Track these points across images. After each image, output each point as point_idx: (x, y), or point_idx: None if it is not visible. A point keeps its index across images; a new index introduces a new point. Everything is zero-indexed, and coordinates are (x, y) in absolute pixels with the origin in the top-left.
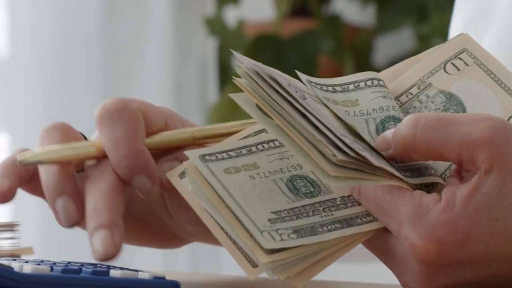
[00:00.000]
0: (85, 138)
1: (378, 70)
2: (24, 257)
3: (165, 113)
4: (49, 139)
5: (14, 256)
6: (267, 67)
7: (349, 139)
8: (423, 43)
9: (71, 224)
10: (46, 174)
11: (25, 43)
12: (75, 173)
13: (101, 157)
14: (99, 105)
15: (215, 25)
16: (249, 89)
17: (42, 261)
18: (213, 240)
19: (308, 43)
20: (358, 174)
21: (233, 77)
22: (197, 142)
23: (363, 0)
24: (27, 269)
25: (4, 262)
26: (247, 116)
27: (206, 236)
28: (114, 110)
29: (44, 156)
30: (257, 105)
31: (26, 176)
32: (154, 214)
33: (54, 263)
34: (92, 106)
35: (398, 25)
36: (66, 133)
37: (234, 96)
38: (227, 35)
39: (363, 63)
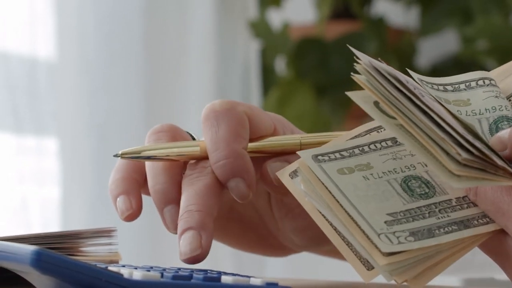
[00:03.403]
0: (193, 138)
1: (421, 73)
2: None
3: (274, 118)
4: (157, 142)
5: (113, 262)
6: (383, 63)
7: (471, 137)
8: (468, 45)
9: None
10: (154, 180)
11: (71, 47)
12: (181, 179)
13: (205, 157)
14: (207, 104)
15: (259, 28)
16: (369, 86)
17: (152, 267)
18: (321, 252)
19: (353, 46)
20: (480, 174)
21: (352, 73)
22: (304, 148)
23: (406, 2)
24: (137, 275)
25: (114, 268)
26: (295, 119)
27: (311, 247)
28: (220, 111)
29: (147, 152)
30: (374, 103)
31: (142, 181)
32: (260, 220)
33: (164, 269)
34: (135, 109)
35: (441, 27)
36: (174, 135)
37: (352, 94)
38: (272, 38)
39: (407, 65)
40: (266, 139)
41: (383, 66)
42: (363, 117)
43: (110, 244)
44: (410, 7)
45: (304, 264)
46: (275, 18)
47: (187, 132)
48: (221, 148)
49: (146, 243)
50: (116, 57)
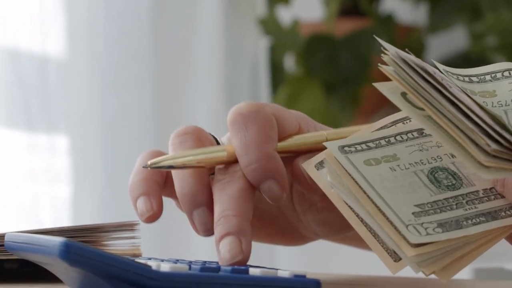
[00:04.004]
0: (216, 141)
1: None
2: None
3: (298, 116)
4: (182, 144)
5: (136, 256)
6: (410, 54)
7: (499, 128)
8: (477, 42)
9: (208, 234)
10: (182, 183)
11: (81, 45)
12: (209, 181)
13: (232, 161)
14: (233, 107)
15: (269, 25)
16: (396, 77)
17: (178, 260)
18: (338, 239)
19: (362, 43)
20: (509, 165)
21: (379, 64)
22: None
23: None
24: (165, 267)
25: (141, 260)
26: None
27: (332, 236)
28: (247, 114)
29: (175, 162)
30: (401, 94)
31: (162, 183)
32: (281, 214)
33: (191, 262)
34: (144, 107)
35: (450, 24)
36: (199, 138)
37: (379, 86)
38: (281, 35)
39: None
40: (293, 138)
41: (410, 57)
42: (372, 113)
43: (133, 237)
44: (419, 4)
45: (315, 256)
46: (284, 15)
47: (211, 135)
48: (251, 151)
49: (156, 241)
50: (126, 55)
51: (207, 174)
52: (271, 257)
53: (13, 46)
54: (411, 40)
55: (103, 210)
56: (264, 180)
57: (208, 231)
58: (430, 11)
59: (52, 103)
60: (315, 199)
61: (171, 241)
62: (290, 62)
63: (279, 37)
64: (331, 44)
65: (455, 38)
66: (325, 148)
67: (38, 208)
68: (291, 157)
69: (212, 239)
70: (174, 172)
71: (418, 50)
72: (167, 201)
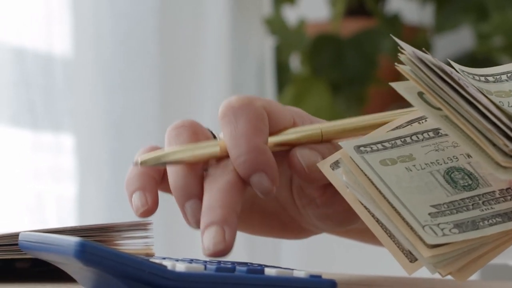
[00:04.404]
0: (213, 135)
1: None
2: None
3: (292, 111)
4: (178, 137)
5: (149, 256)
6: (427, 53)
7: None
8: (483, 42)
9: (199, 226)
10: (174, 176)
11: (87, 44)
12: (203, 174)
13: (225, 156)
14: (224, 101)
15: (275, 25)
16: (413, 76)
17: (192, 260)
18: (341, 233)
19: (368, 43)
20: None
21: (396, 63)
22: (325, 138)
23: None
24: (181, 267)
25: (156, 260)
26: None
27: (333, 229)
28: (237, 107)
29: (166, 158)
30: (418, 93)
31: (159, 178)
32: (282, 209)
33: (206, 262)
34: (150, 107)
35: (456, 24)
36: (195, 131)
37: (395, 85)
38: (287, 35)
39: None
40: (286, 132)
41: (427, 56)
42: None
43: (146, 237)
44: (425, 4)
45: (318, 254)
46: (290, 15)
47: (208, 129)
48: (241, 143)
49: (160, 240)
50: (132, 55)
51: (200, 167)
52: (276, 255)
53: (18, 45)
54: (417, 40)
55: (108, 209)
56: (253, 172)
57: (198, 222)
58: (437, 11)
59: (57, 102)
60: (314, 195)
61: (176, 240)
62: (296, 62)
63: (285, 37)
64: (337, 44)
65: (462, 38)
66: (319, 140)
67: (42, 207)
68: (287, 151)
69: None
70: (168, 166)
71: (425, 50)
72: (173, 203)
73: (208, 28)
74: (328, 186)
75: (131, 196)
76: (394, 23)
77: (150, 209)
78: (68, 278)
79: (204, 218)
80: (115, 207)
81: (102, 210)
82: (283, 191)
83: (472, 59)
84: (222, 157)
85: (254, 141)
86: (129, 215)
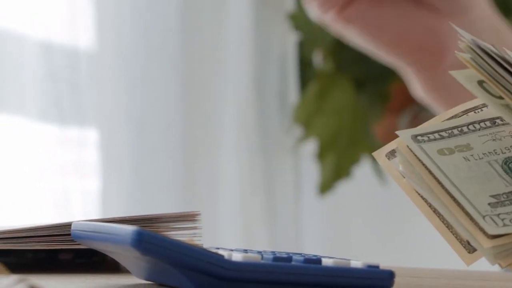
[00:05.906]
0: None
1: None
2: None
3: None
4: None
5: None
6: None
7: None
8: None
9: None
10: None
11: (110, 39)
12: None
13: None
14: None
15: (298, 21)
16: (474, 64)
17: (246, 250)
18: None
19: None
20: None
21: (456, 51)
22: None
23: None
24: (237, 257)
25: (213, 250)
26: (333, 113)
27: None
28: None
29: None
30: (478, 82)
31: None
32: None
33: (260, 252)
34: (172, 102)
35: None
36: None
37: (456, 74)
38: (311, 30)
39: None
40: None
41: (487, 45)
42: (401, 110)
43: (194, 228)
44: None
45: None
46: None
47: None
48: None
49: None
50: (154, 50)
51: None
52: (298, 243)
53: (45, 39)
54: None
55: (131, 204)
56: None
57: None
58: None
59: (82, 97)
60: None
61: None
62: (319, 58)
63: (309, 32)
64: None
65: None
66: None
67: (68, 202)
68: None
69: (236, 231)
70: None
71: None
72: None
73: (231, 22)
74: None
75: None
76: None
77: None
78: (109, 270)
79: None
80: (138, 202)
81: (125, 204)
82: None
83: None
84: None
85: None
86: (150, 209)
